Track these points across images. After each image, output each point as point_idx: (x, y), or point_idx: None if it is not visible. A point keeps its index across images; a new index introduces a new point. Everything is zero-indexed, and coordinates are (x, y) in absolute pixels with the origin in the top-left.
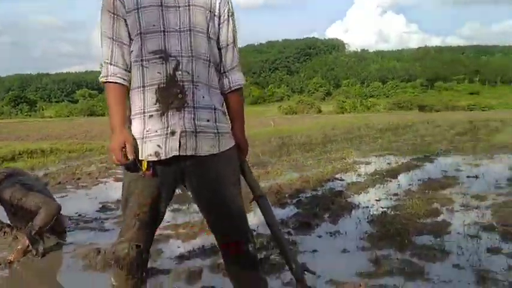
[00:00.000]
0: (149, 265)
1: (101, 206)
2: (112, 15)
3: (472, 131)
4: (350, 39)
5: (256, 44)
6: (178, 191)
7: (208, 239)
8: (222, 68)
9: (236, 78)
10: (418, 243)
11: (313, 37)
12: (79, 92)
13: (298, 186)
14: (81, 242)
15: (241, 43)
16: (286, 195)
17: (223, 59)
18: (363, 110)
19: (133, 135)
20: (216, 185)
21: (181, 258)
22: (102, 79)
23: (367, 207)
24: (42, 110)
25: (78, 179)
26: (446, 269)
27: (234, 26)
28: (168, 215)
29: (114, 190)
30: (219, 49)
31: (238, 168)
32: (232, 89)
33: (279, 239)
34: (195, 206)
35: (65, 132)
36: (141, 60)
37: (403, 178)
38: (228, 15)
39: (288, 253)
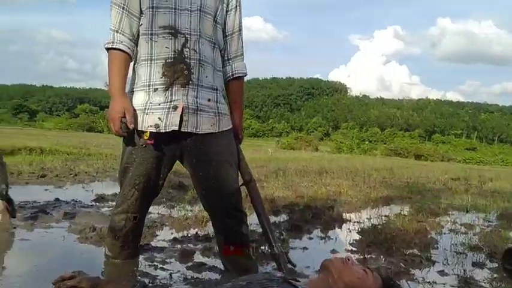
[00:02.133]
0: (143, 242)
1: (96, 197)
2: None
3: (465, 178)
4: (352, 84)
5: (261, 78)
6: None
7: (202, 229)
8: (226, 55)
9: (239, 67)
10: (406, 252)
11: (317, 78)
12: (80, 106)
13: (292, 200)
14: (75, 222)
15: (246, 77)
16: (281, 206)
17: (228, 47)
18: (360, 153)
19: (133, 106)
20: (213, 162)
21: (174, 241)
22: (107, 45)
23: (358, 222)
24: (42, 121)
25: (76, 175)
26: (432, 274)
27: (240, 16)
28: (163, 210)
29: (111, 187)
30: (225, 36)
31: (236, 150)
32: (235, 76)
33: (262, 219)
34: (189, 205)
35: (64, 139)
36: (151, 34)
37: (395, 205)
38: (236, 4)
39: (269, 233)
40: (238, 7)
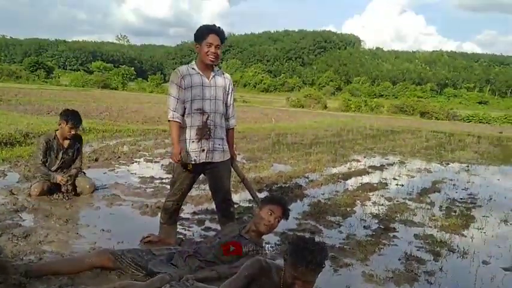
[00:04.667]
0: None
1: (140, 179)
2: (178, 87)
3: (442, 145)
4: (366, 35)
5: (272, 31)
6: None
7: (210, 205)
8: (226, 115)
9: (233, 123)
10: (327, 218)
11: (330, 30)
12: (94, 64)
13: (274, 179)
14: (134, 200)
15: (258, 29)
16: (264, 185)
17: (228, 112)
18: (366, 111)
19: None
20: (220, 176)
21: (194, 213)
22: (170, 119)
23: (314, 196)
24: (58, 77)
25: (119, 157)
26: (333, 233)
27: (232, 95)
28: None
29: (146, 168)
30: (226, 107)
31: (231, 169)
32: (230, 127)
33: (250, 188)
34: (199, 189)
35: (89, 108)
36: (190, 113)
37: (349, 182)
38: (232, 90)
39: (254, 195)
40: (232, 91)
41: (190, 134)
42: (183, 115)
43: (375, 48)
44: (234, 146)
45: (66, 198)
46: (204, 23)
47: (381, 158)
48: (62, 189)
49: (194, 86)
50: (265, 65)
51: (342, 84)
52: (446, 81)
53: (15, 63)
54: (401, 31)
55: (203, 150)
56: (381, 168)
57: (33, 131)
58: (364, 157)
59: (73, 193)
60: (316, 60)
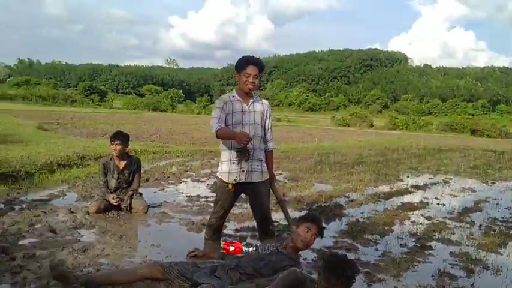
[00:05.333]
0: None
1: (187, 197)
2: (221, 110)
3: (489, 164)
4: (413, 52)
5: (317, 51)
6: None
7: (251, 223)
8: (265, 139)
9: (271, 145)
10: (364, 237)
11: (375, 48)
12: (145, 87)
13: (314, 198)
14: (182, 218)
15: (302, 50)
16: (304, 204)
17: (266, 135)
18: (415, 129)
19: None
20: (259, 195)
21: (236, 230)
22: (215, 130)
23: (352, 216)
24: (111, 100)
25: (168, 177)
26: (369, 250)
27: (271, 120)
28: None
29: (193, 188)
30: (265, 130)
31: (269, 188)
32: (269, 150)
33: (285, 211)
34: (242, 208)
35: (140, 130)
36: None
37: (389, 201)
38: (269, 115)
39: (289, 217)
40: (270, 116)
41: (231, 155)
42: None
43: (422, 65)
44: (274, 166)
45: (119, 216)
46: (249, 45)
47: (425, 178)
48: (122, 207)
49: (235, 112)
50: (310, 84)
51: (388, 102)
52: (499, 98)
53: (70, 88)
54: (450, 47)
55: (243, 171)
56: (424, 187)
57: (89, 154)
58: (408, 176)
59: (130, 211)
60: (362, 79)
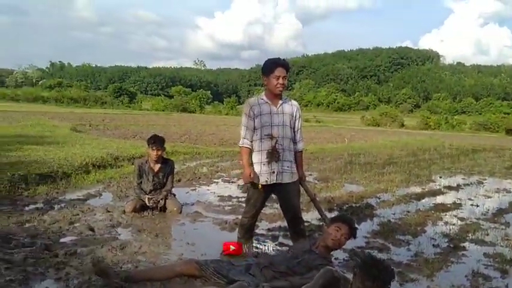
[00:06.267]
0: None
1: (219, 197)
2: (247, 116)
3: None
4: (445, 50)
5: (346, 50)
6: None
7: (282, 223)
8: (294, 140)
9: (301, 146)
10: (396, 237)
11: (406, 46)
12: (174, 88)
13: (345, 199)
14: (215, 217)
15: (331, 49)
16: (334, 205)
17: (296, 136)
18: (447, 128)
19: (254, 171)
20: (289, 196)
21: (268, 230)
22: (240, 145)
23: (384, 216)
24: (141, 102)
25: (199, 178)
26: (401, 250)
27: (300, 121)
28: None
29: (224, 188)
30: (294, 132)
31: (299, 189)
32: (298, 150)
33: (318, 208)
34: (273, 208)
35: (170, 131)
36: (261, 139)
37: (421, 202)
38: (299, 116)
39: (322, 214)
40: (300, 117)
41: (261, 157)
42: (251, 141)
43: (455, 63)
44: (304, 167)
45: (154, 215)
46: (277, 45)
47: (458, 178)
48: (158, 207)
49: (263, 114)
50: (339, 84)
51: (420, 102)
52: None
53: (100, 90)
54: (484, 44)
55: (273, 172)
56: (457, 188)
57: (122, 155)
58: (440, 177)
59: (164, 211)
60: (392, 78)
